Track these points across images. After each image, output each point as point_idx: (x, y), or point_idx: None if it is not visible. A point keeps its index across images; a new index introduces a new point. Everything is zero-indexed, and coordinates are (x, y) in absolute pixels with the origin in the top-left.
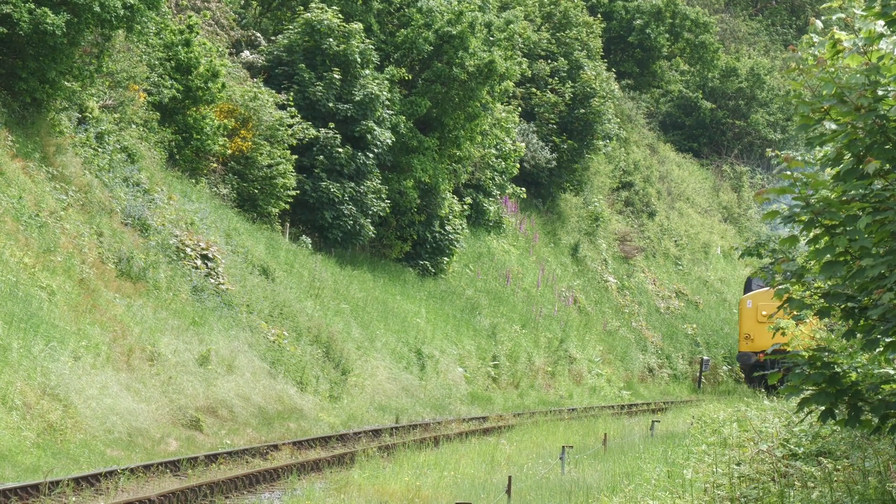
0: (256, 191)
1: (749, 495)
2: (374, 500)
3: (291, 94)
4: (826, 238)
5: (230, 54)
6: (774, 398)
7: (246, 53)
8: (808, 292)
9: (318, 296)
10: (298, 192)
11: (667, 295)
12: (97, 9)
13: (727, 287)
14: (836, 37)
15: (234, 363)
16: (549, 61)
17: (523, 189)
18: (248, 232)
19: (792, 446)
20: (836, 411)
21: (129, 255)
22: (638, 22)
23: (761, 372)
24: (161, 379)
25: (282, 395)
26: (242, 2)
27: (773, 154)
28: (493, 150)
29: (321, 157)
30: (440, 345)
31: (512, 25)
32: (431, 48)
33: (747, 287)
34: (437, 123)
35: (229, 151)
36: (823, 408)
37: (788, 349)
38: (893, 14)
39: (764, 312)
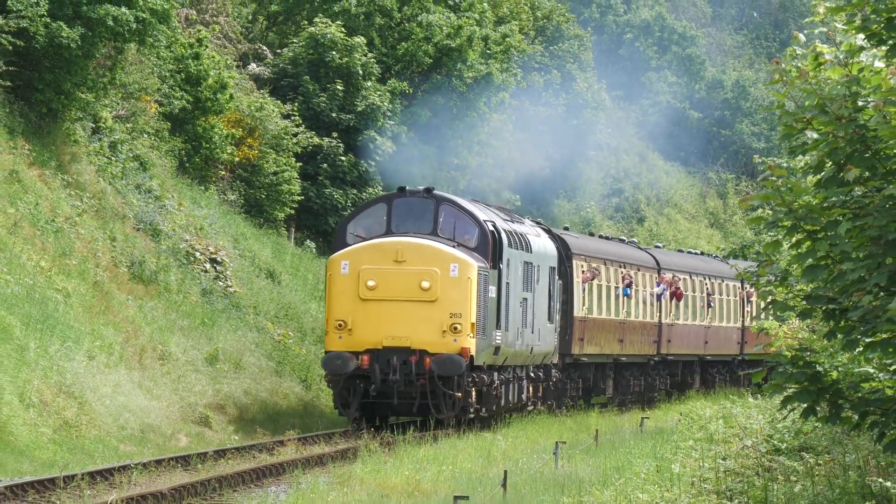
0: (263, 197)
1: (734, 489)
2: (376, 494)
3: (296, 104)
4: (808, 243)
5: (238, 67)
6: (761, 396)
7: (253, 66)
8: (790, 294)
9: (322, 297)
10: (303, 198)
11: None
12: (110, 23)
13: None
14: (819, 49)
15: (242, 362)
16: (543, 73)
17: (518, 196)
18: (255, 237)
19: (775, 442)
20: (818, 408)
21: (141, 259)
22: (628, 35)
23: (375, 391)
24: (171, 377)
25: (287, 393)
26: (250, 17)
27: (760, 161)
28: (490, 160)
29: (325, 164)
30: None
31: (508, 39)
32: (431, 61)
33: (341, 240)
34: (436, 133)
35: (237, 159)
36: (805, 405)
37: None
38: (873, 28)
39: (371, 282)
